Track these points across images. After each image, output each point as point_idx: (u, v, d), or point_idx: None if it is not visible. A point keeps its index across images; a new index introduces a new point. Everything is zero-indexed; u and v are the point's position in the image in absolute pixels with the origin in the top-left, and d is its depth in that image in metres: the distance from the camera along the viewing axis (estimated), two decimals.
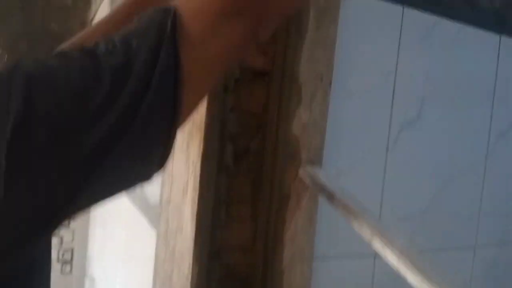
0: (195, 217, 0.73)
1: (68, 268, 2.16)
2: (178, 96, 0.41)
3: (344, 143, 0.87)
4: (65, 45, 0.85)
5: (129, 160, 0.41)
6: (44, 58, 0.41)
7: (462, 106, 1.04)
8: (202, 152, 0.73)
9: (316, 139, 0.81)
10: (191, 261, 0.74)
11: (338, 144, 0.85)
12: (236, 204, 0.82)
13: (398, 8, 0.91)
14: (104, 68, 0.39)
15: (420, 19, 0.94)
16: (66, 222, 0.40)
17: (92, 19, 2.73)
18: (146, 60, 0.40)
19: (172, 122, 0.41)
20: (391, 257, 0.61)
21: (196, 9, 0.44)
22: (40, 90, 0.38)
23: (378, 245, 0.63)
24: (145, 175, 0.44)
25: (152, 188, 1.00)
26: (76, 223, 2.06)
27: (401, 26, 0.91)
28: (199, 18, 0.44)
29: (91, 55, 0.40)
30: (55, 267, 2.17)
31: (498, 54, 1.08)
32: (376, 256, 0.87)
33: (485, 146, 1.09)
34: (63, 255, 2.14)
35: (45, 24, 2.72)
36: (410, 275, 0.57)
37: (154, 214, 1.02)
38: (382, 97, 0.91)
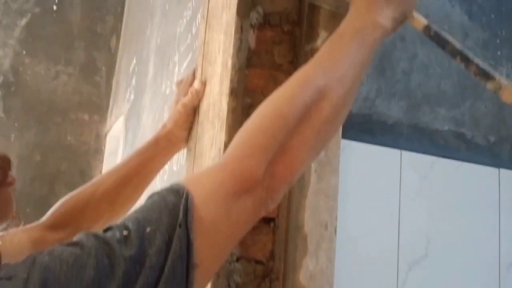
0: None
1: None
2: (190, 280, 0.42)
3: None
4: (78, 192, 0.88)
5: None
6: (60, 251, 0.42)
7: (468, 240, 1.04)
8: None
9: None
10: None
11: None
12: None
13: (396, 151, 0.95)
14: (118, 260, 0.40)
15: (418, 159, 0.99)
16: None
17: (107, 133, 2.86)
18: (159, 249, 0.41)
19: None
20: None
21: (207, 191, 0.46)
22: None
23: None
24: None
25: None
26: None
27: (400, 167, 0.95)
28: (211, 200, 0.46)
29: (106, 245, 0.41)
30: None
31: (499, 185, 1.11)
32: None
33: (496, 279, 1.07)
34: None
35: (60, 136, 2.85)
36: None
37: None
38: (388, 238, 0.92)
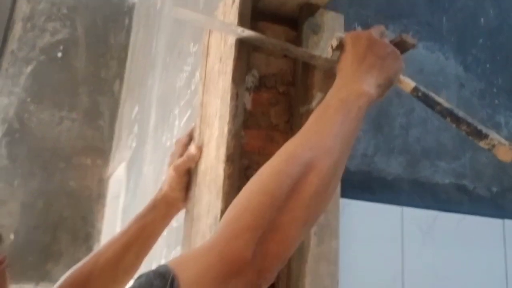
0: None
1: None
2: None
3: None
4: (81, 263, 0.86)
5: None
6: None
7: None
8: None
9: None
10: None
11: None
12: None
13: (397, 208, 0.94)
14: None
15: (419, 215, 0.97)
16: None
17: (110, 177, 2.87)
18: None
19: None
20: None
21: (194, 275, 0.44)
22: None
23: None
24: None
25: None
26: None
27: (402, 224, 0.94)
28: (198, 285, 0.44)
29: None
30: None
31: (504, 236, 1.09)
32: None
33: None
34: None
35: (64, 182, 2.85)
36: None
37: None
38: None
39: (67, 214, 2.81)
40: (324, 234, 0.81)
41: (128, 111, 2.59)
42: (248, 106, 0.85)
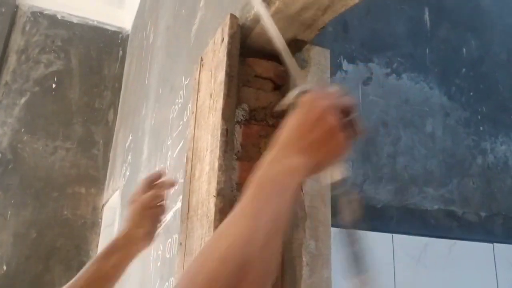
0: None
1: None
2: None
3: None
4: None
5: None
6: None
7: None
8: None
9: None
10: None
11: None
12: None
13: (387, 235, 0.96)
14: None
15: (410, 242, 0.98)
16: None
17: (104, 205, 2.86)
18: None
19: None
20: None
21: None
22: None
23: None
24: None
25: None
26: None
27: (393, 252, 0.95)
28: None
29: None
30: None
31: (494, 260, 1.10)
32: None
33: None
34: None
35: (57, 211, 2.84)
36: None
37: None
38: None
39: (60, 243, 2.79)
40: (316, 264, 0.82)
41: (122, 140, 2.61)
42: (239, 139, 0.87)
